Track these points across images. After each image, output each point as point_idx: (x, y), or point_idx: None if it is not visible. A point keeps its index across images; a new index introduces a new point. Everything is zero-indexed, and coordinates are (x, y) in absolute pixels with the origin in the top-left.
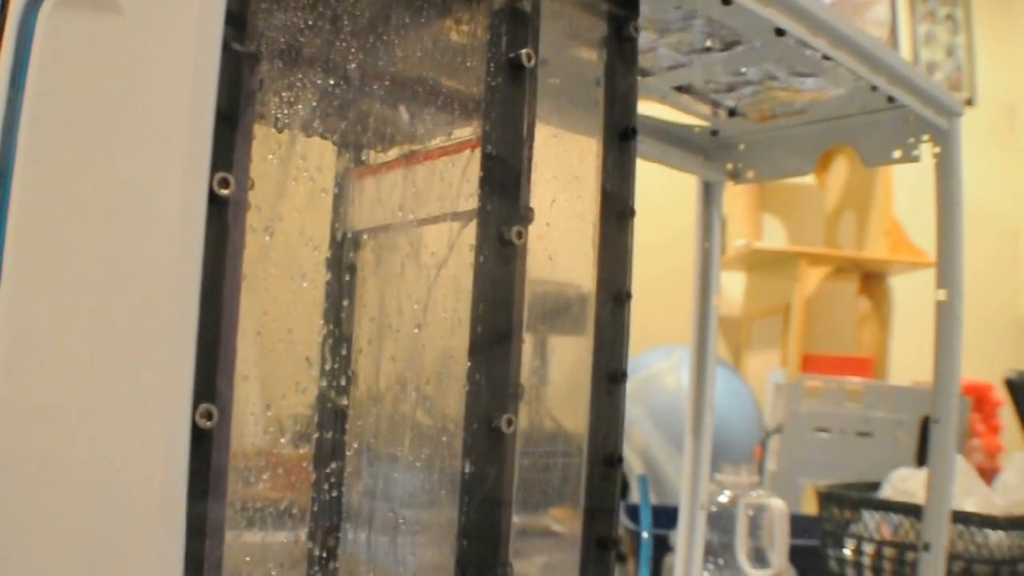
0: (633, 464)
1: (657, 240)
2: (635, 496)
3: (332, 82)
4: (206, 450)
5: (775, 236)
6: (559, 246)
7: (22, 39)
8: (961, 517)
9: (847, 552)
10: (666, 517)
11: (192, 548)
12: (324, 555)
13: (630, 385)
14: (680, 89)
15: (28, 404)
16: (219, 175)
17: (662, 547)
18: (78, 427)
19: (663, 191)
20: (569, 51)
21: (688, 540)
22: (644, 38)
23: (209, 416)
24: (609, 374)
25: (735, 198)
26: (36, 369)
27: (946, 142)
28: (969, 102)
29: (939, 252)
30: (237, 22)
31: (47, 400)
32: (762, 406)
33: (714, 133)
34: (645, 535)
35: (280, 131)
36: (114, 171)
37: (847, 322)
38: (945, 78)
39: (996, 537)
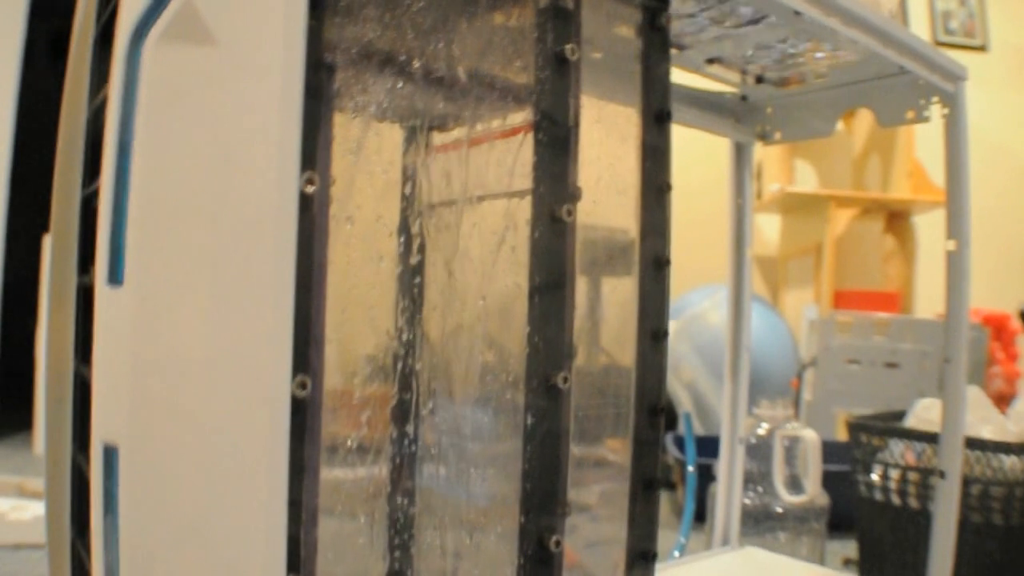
0: (682, 397)
1: (696, 186)
2: (683, 430)
3: (400, 80)
4: (302, 416)
5: (807, 180)
6: (605, 220)
7: (130, 70)
8: (978, 444)
9: (875, 477)
10: (711, 447)
11: (293, 504)
12: (402, 498)
13: (678, 323)
14: (712, 60)
15: (158, 378)
16: (305, 175)
17: (707, 476)
18: (196, 398)
19: (701, 140)
20: (609, 40)
21: (729, 472)
22: (679, 16)
23: (304, 386)
24: (652, 332)
25: (770, 146)
26: (162, 350)
27: (953, 104)
28: (983, 48)
29: (948, 205)
30: (316, 40)
31: (173, 375)
32: (798, 340)
33: (743, 99)
34: (691, 468)
35: (353, 122)
36: (217, 180)
37: (874, 259)
38: (959, 26)
39: (1010, 461)
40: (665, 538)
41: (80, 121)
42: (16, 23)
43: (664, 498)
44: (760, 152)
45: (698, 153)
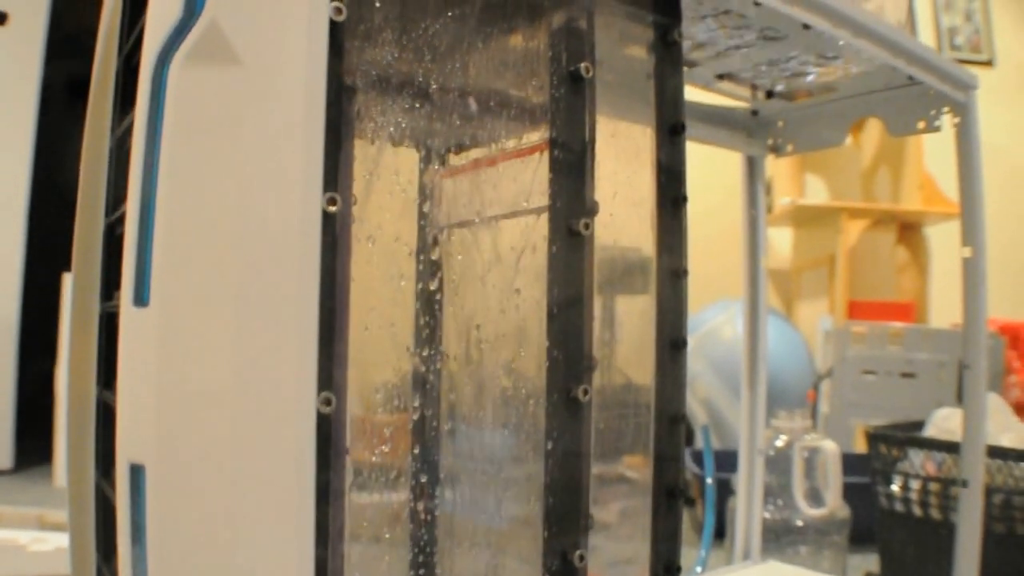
0: (697, 413)
1: (709, 202)
2: (700, 443)
3: (418, 101)
4: (327, 432)
5: (817, 193)
6: (622, 233)
7: (155, 91)
8: (999, 452)
9: (895, 488)
10: (729, 461)
11: (319, 515)
12: (425, 512)
13: (693, 340)
14: (722, 76)
15: (184, 396)
16: (327, 195)
17: (726, 490)
18: (222, 416)
19: (711, 158)
20: (622, 57)
21: (748, 485)
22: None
23: (328, 402)
24: (672, 342)
25: (779, 160)
26: (188, 369)
27: (964, 113)
28: (989, 63)
29: (963, 212)
30: (338, 62)
31: (199, 393)
32: (813, 352)
33: (754, 113)
34: (709, 481)
35: (373, 142)
36: (242, 199)
37: (888, 270)
38: (965, 41)
39: None
40: (686, 555)
41: (103, 150)
42: (33, 65)
43: (685, 515)
44: (771, 167)
45: (707, 170)
